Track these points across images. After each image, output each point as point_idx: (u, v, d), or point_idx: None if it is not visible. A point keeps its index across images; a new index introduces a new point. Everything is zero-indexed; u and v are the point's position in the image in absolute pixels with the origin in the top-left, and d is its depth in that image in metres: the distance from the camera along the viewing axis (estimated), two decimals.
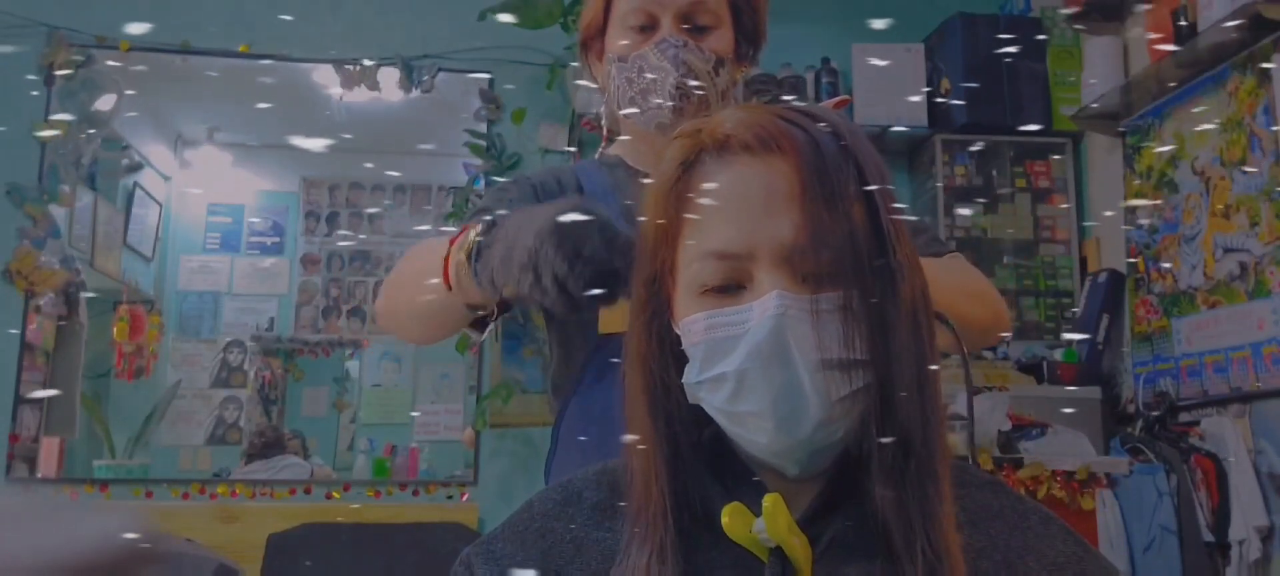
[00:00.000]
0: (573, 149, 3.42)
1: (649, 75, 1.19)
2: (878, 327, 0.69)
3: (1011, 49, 3.41)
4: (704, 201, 0.73)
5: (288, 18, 3.24)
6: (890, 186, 0.73)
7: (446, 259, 1.00)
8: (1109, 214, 3.41)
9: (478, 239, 0.95)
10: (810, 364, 0.68)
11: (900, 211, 0.74)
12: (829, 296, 0.69)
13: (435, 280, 1.01)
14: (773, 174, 0.71)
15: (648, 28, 1.21)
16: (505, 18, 3.13)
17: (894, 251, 0.71)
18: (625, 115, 1.24)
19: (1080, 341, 3.29)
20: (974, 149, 3.50)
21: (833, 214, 0.69)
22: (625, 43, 1.22)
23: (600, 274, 0.86)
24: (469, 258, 0.96)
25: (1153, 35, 3.09)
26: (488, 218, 0.97)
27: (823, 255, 0.69)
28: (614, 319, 1.17)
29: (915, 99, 3.46)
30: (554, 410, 1.29)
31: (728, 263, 0.71)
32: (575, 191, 1.23)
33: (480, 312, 1.05)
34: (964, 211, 3.47)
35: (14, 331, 3.15)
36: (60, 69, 3.28)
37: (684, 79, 1.18)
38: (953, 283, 1.10)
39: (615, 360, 1.15)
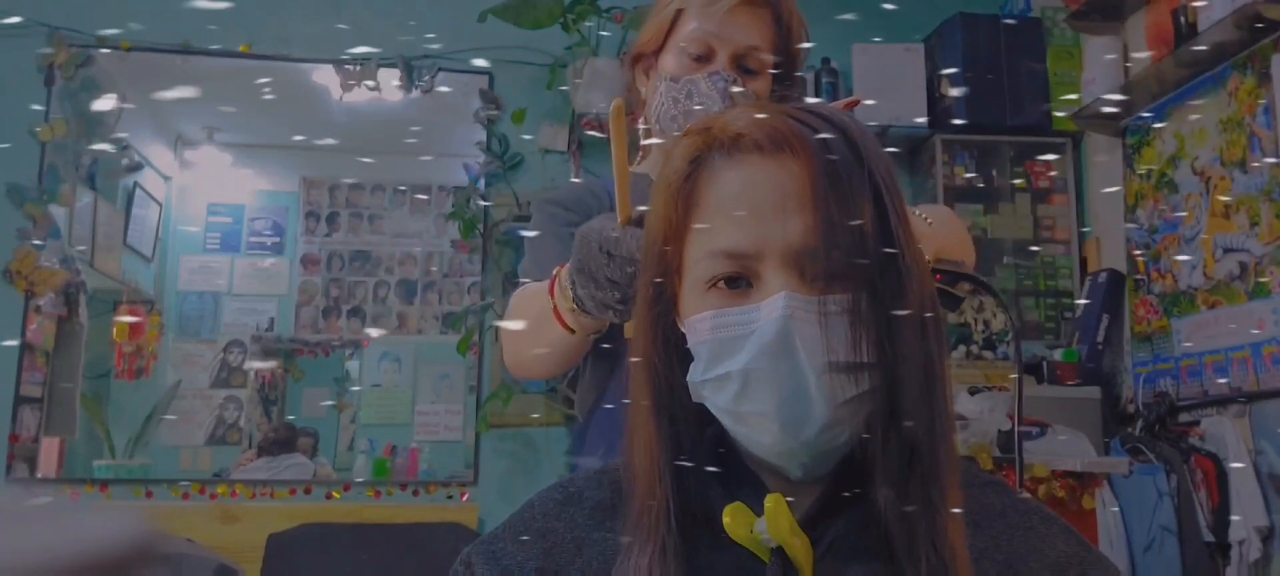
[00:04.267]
0: (574, 148, 3.42)
1: (697, 103, 1.26)
2: (885, 330, 0.68)
3: (1011, 49, 3.41)
4: (713, 200, 0.72)
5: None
6: (899, 187, 0.73)
7: (555, 310, 1.08)
8: (1112, 214, 3.41)
9: (569, 282, 1.03)
10: (817, 366, 0.67)
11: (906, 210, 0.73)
12: (837, 298, 0.68)
13: (559, 332, 1.10)
14: (783, 174, 0.70)
15: (703, 58, 1.28)
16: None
17: (903, 253, 0.70)
18: (664, 132, 1.30)
19: (1080, 342, 3.29)
20: (973, 139, 3.50)
21: (842, 215, 0.68)
22: (679, 67, 1.29)
23: None
24: (572, 300, 1.03)
25: (1152, 35, 3.09)
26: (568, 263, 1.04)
27: (832, 256, 0.68)
28: None
29: (915, 98, 3.45)
30: (582, 410, 1.35)
31: (735, 262, 0.70)
32: (607, 206, 1.29)
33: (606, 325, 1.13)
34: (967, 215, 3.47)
35: (14, 334, 3.15)
36: (60, 69, 3.28)
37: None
38: (955, 236, 1.17)
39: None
